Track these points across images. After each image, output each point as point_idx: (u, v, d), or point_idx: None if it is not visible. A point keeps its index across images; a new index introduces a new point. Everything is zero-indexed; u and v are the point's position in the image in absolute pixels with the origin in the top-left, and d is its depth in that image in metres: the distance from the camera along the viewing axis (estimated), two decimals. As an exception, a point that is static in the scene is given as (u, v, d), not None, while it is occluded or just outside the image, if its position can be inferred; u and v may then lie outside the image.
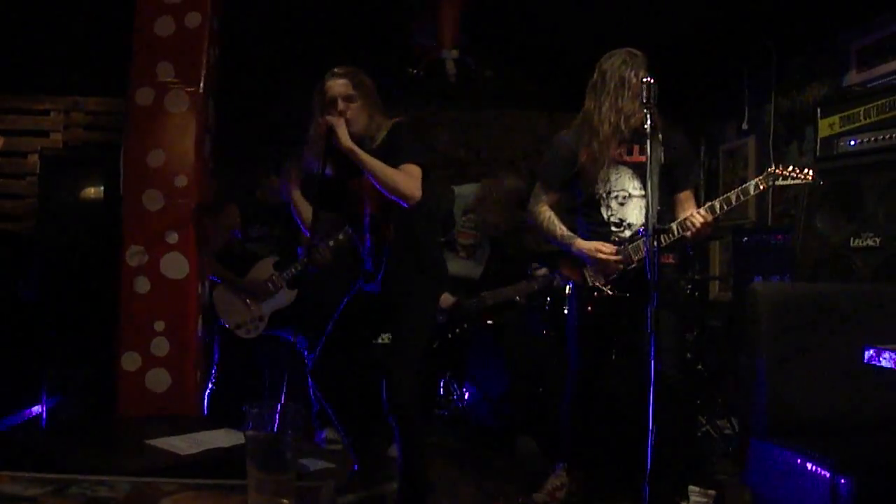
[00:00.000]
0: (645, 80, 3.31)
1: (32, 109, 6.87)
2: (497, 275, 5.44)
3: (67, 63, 6.54)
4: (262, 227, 5.46)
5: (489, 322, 5.44)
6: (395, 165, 3.56)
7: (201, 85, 4.38)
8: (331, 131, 3.57)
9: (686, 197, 3.94)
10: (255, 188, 5.52)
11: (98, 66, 6.06)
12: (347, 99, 3.66)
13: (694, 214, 3.66)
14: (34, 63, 6.64)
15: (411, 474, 3.69)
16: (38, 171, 6.19)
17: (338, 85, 3.68)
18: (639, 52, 3.82)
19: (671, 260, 3.91)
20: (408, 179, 3.54)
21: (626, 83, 3.75)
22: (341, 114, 3.64)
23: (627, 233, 3.86)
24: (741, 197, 3.60)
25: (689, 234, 3.68)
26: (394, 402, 3.61)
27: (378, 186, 3.56)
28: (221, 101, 4.69)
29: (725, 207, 3.61)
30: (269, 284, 5.26)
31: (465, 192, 5.45)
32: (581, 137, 3.88)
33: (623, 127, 3.76)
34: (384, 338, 4.24)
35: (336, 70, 3.73)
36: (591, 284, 3.87)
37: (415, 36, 5.89)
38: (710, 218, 3.62)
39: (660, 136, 3.36)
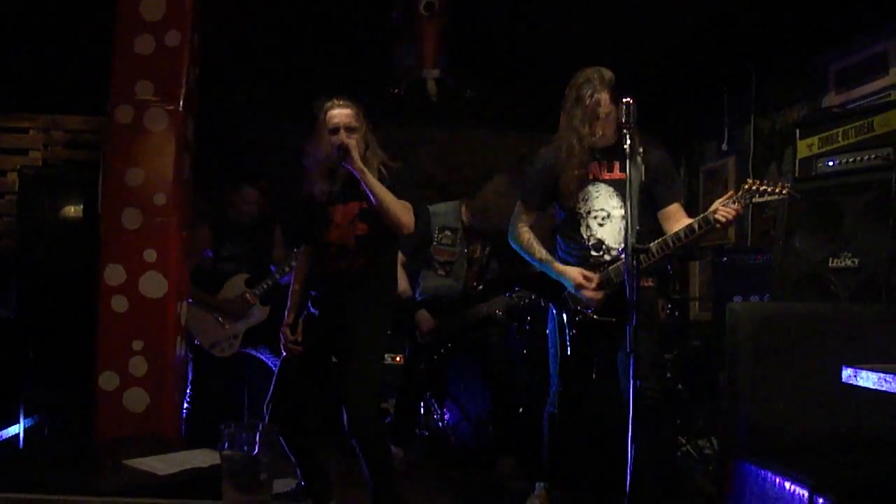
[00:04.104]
0: (624, 100, 3.30)
1: (11, 127, 6.81)
2: (484, 288, 5.43)
3: (47, 81, 6.52)
4: (233, 247, 5.47)
5: (470, 342, 5.42)
6: None
7: (181, 103, 4.36)
8: (345, 151, 3.64)
9: (676, 210, 3.87)
10: (225, 208, 5.53)
11: (78, 84, 6.03)
12: (350, 129, 3.73)
13: (719, 205, 3.55)
14: (13, 81, 6.62)
15: (382, 496, 3.69)
16: (16, 190, 6.13)
17: (343, 115, 3.76)
18: (607, 72, 3.76)
19: (650, 283, 3.88)
20: (406, 210, 3.73)
21: (580, 102, 3.71)
22: (344, 142, 3.70)
23: (607, 257, 3.84)
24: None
25: (720, 223, 3.53)
26: (354, 427, 3.66)
27: (381, 211, 3.67)
28: (198, 118, 4.68)
29: (705, 227, 3.60)
30: (241, 302, 5.26)
31: (441, 210, 5.48)
32: (559, 153, 3.87)
33: (577, 148, 3.74)
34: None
35: (339, 101, 3.81)
36: (572, 308, 3.85)
37: (396, 55, 5.90)
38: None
39: (639, 156, 3.33)
